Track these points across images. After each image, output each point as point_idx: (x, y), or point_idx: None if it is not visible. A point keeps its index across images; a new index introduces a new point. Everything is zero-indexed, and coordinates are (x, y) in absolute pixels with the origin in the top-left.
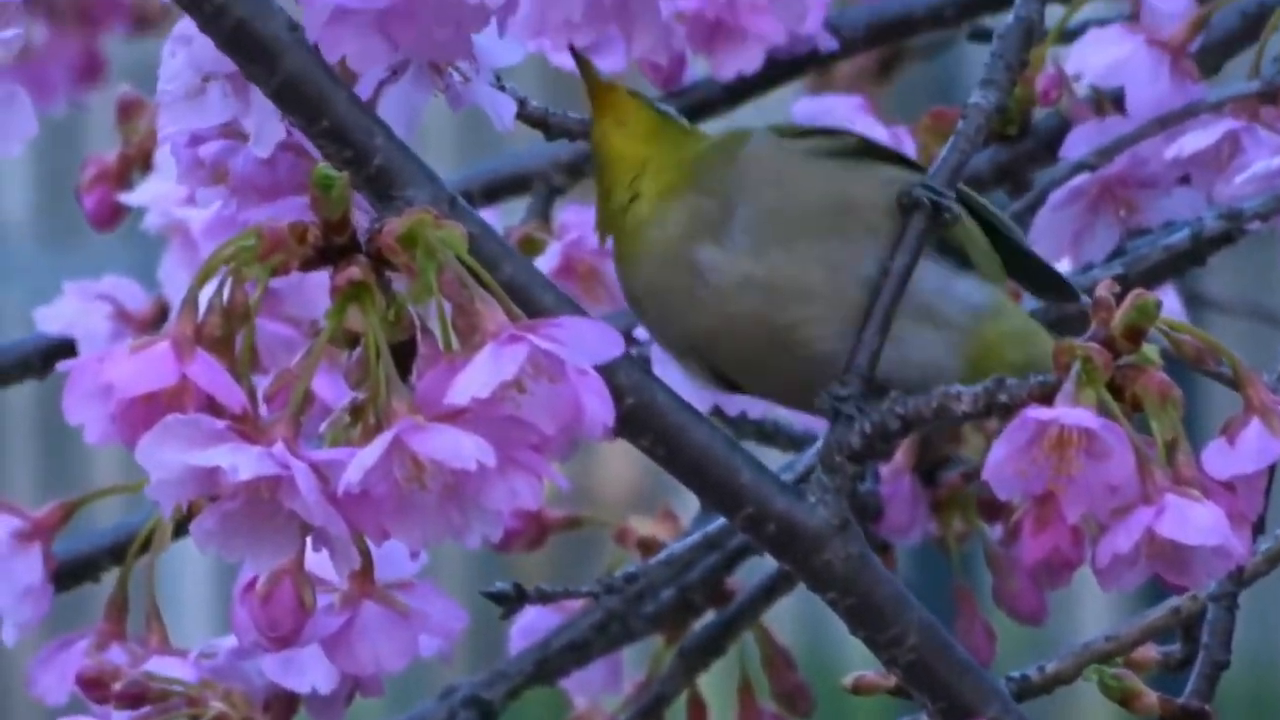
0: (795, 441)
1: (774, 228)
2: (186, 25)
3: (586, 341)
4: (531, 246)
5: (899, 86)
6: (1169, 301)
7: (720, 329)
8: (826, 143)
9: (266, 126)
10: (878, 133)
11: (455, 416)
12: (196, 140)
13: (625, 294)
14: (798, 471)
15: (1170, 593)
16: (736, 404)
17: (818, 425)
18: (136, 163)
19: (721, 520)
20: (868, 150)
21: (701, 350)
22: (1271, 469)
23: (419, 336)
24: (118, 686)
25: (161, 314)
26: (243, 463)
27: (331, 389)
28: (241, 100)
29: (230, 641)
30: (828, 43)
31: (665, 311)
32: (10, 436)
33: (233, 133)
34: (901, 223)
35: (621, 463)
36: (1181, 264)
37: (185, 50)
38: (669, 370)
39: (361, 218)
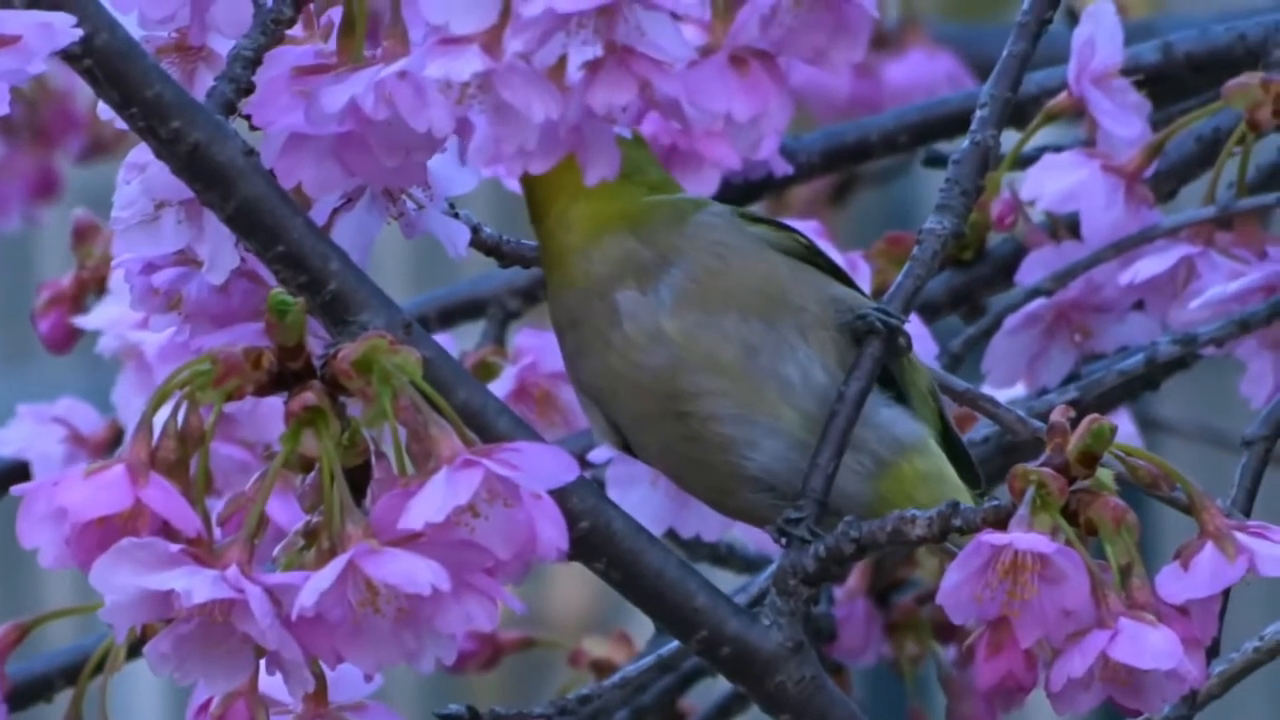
0: (750, 564)
1: (702, 295)
2: (140, 153)
3: (541, 466)
4: (487, 370)
5: (854, 211)
6: (1123, 426)
7: (624, 377)
8: (778, 236)
9: (221, 254)
10: (832, 257)
11: (410, 541)
12: (150, 268)
13: (550, 318)
14: (752, 594)
15: (1124, 716)
16: (691, 527)
17: (772, 548)
18: (91, 286)
19: (676, 642)
20: (814, 258)
21: (603, 398)
22: (1225, 593)
23: (373, 461)
24: None
25: (116, 437)
26: (197, 586)
27: (286, 512)
28: (195, 227)
29: None
30: (783, 167)
31: (579, 346)
32: None
33: (186, 260)
34: (839, 343)
35: (575, 584)
36: (1136, 388)
37: (139, 177)
38: (624, 493)
39: (316, 343)
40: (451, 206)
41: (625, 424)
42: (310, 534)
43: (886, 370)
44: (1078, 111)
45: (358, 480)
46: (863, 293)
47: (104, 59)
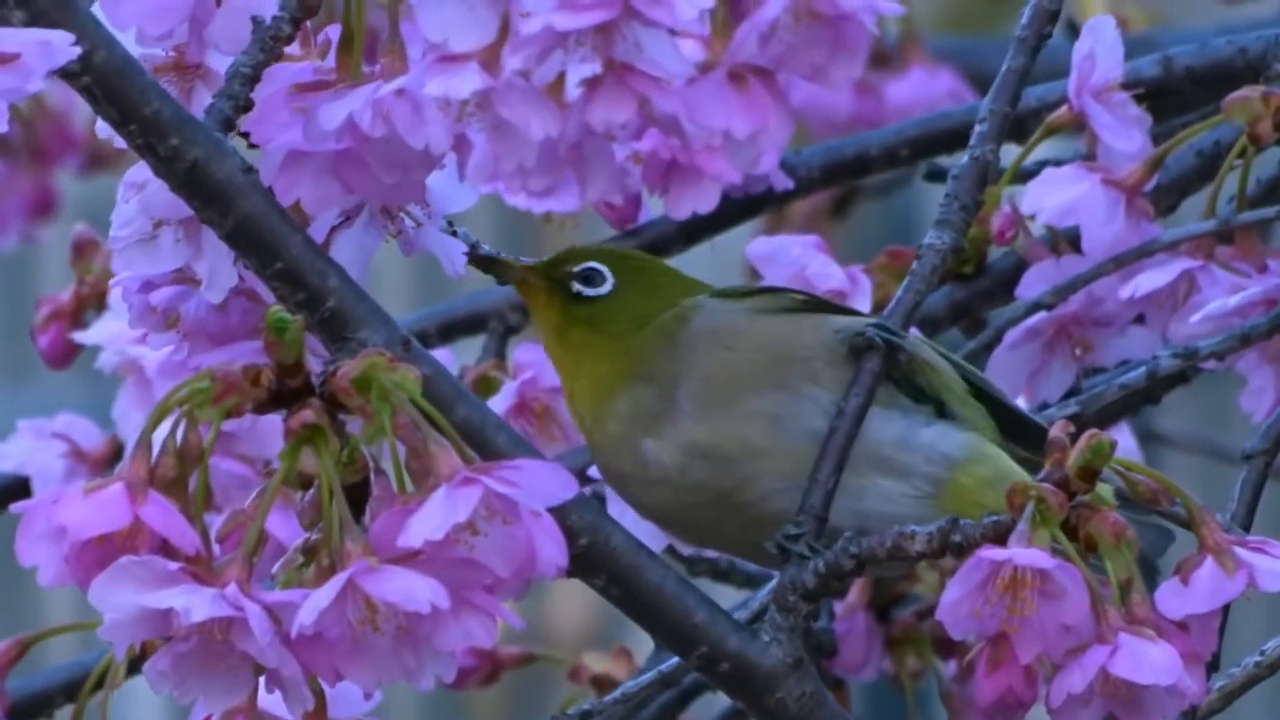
0: (750, 579)
1: (717, 392)
2: (139, 171)
3: (540, 483)
4: (487, 385)
5: (854, 226)
6: (1123, 440)
7: (673, 503)
8: (771, 301)
9: (219, 272)
10: (833, 271)
11: (409, 559)
12: (148, 286)
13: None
14: (752, 610)
15: None
16: None
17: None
18: (91, 301)
19: (676, 657)
20: (815, 305)
21: (663, 525)
22: (1225, 608)
23: (373, 478)
24: None
25: (116, 452)
26: (196, 604)
27: (285, 529)
28: (193, 246)
29: None
30: (783, 182)
31: (624, 493)
32: None
33: (185, 278)
34: (853, 367)
35: (576, 599)
36: (1136, 402)
37: (137, 196)
38: (624, 509)
39: (314, 360)
40: (450, 223)
41: (694, 540)
42: (309, 551)
43: (924, 392)
44: (1078, 125)
45: (357, 498)
46: (864, 315)
47: (102, 76)
